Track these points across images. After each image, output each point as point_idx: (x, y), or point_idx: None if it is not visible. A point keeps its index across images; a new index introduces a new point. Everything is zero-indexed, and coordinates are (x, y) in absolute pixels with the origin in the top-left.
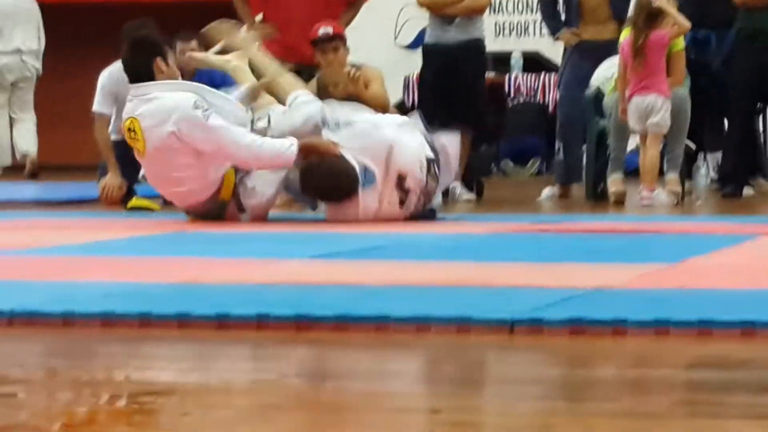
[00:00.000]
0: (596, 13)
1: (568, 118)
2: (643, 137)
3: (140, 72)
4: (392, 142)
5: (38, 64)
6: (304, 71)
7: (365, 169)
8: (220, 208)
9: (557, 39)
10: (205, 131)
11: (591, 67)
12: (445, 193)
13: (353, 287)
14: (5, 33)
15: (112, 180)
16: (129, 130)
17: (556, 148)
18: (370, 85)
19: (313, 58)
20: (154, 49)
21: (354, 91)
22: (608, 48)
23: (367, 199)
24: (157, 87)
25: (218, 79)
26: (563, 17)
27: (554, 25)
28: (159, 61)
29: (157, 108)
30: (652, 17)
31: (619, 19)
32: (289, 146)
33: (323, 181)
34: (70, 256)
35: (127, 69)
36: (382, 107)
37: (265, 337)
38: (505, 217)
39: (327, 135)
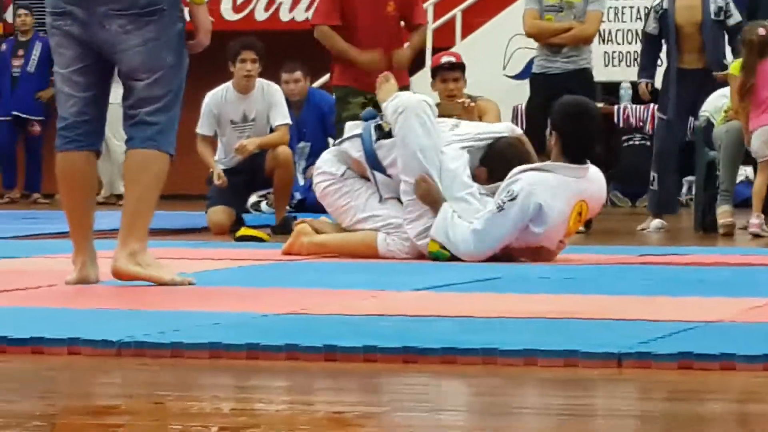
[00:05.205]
0: (691, 41)
1: (664, 148)
2: (762, 164)
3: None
4: None
5: None
6: None
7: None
8: None
9: (638, 83)
10: None
11: (691, 97)
12: None
13: (461, 319)
14: None
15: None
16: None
17: (651, 177)
18: (485, 117)
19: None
20: None
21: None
22: (706, 76)
23: None
24: None
25: (326, 108)
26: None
27: (645, 69)
28: None
29: None
30: (762, 48)
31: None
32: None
33: None
34: (179, 286)
35: None
36: None
37: (373, 368)
38: (613, 249)
39: None
